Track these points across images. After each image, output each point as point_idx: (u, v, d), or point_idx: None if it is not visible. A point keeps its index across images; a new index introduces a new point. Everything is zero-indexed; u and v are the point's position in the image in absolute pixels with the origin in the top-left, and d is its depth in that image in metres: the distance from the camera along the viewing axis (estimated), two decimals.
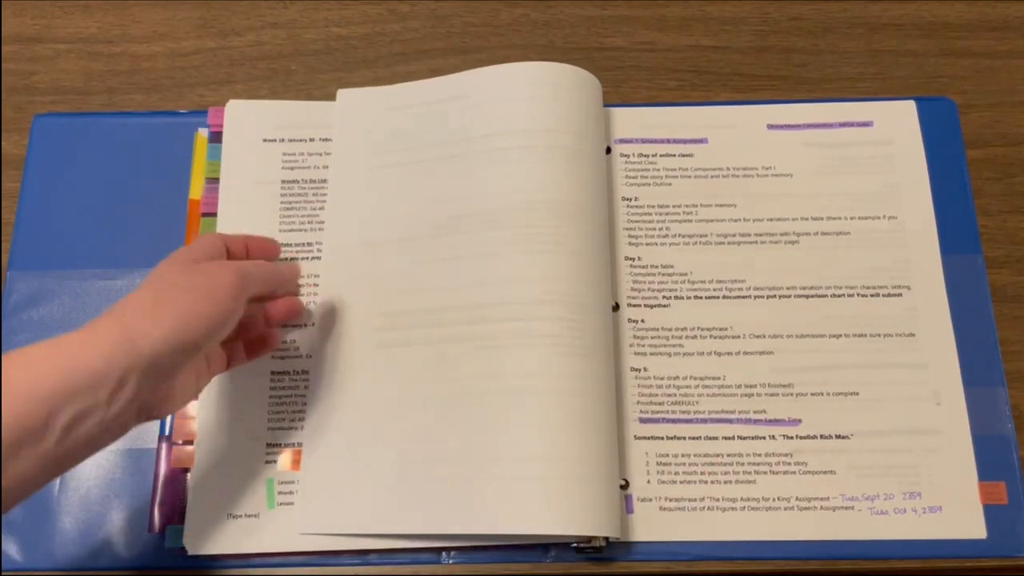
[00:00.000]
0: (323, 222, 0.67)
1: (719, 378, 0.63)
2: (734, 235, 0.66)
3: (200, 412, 0.62)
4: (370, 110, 0.69)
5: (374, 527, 0.58)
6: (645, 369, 0.63)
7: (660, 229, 0.67)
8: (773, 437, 0.61)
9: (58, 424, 0.45)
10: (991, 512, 0.60)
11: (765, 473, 0.61)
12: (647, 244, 0.66)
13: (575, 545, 0.59)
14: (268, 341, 0.61)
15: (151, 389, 0.49)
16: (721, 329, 0.64)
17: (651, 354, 0.63)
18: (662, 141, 0.69)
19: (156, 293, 0.51)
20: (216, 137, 0.69)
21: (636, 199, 0.67)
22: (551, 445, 0.57)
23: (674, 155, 0.69)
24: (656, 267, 0.66)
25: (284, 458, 0.61)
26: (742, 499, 0.60)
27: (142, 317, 0.49)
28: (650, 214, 0.67)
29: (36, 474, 0.46)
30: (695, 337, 0.64)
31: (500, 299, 0.60)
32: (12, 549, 0.60)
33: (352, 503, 0.59)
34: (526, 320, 0.59)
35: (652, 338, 0.64)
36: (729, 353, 0.63)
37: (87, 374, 0.46)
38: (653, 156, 0.69)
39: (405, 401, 0.60)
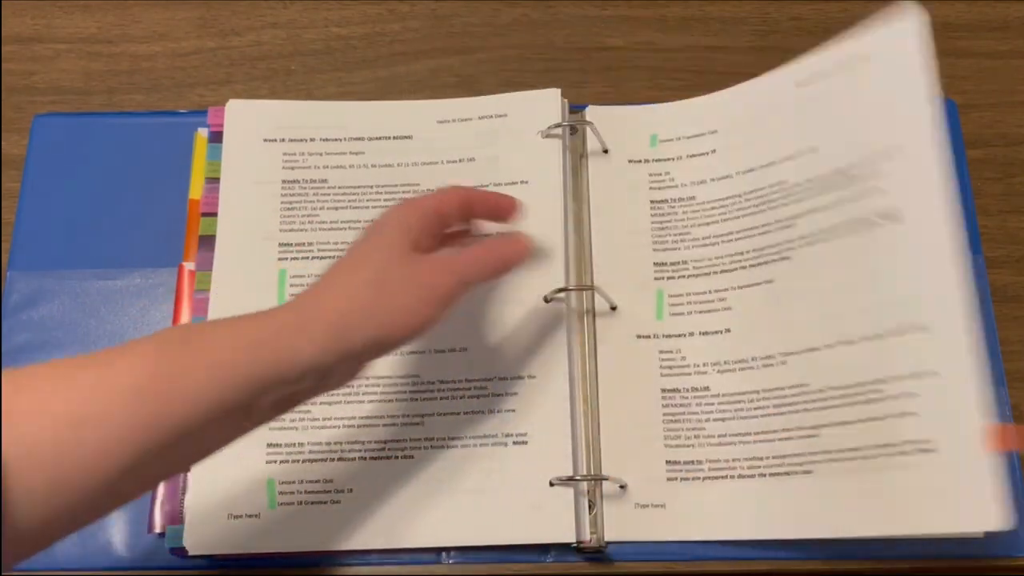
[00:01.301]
0: (324, 222, 0.67)
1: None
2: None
3: None
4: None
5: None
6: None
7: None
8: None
9: (261, 406, 0.47)
10: None
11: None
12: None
13: (575, 545, 0.59)
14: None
15: (351, 373, 0.51)
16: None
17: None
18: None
19: (375, 284, 0.50)
20: (216, 137, 0.69)
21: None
22: None
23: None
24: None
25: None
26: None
27: (357, 312, 0.49)
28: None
29: (224, 443, 0.48)
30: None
31: None
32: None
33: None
34: None
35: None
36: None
37: (299, 365, 0.47)
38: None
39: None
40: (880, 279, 0.59)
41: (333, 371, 0.49)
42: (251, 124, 0.69)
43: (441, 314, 0.52)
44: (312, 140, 0.69)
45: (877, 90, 0.62)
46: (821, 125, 0.64)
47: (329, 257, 0.66)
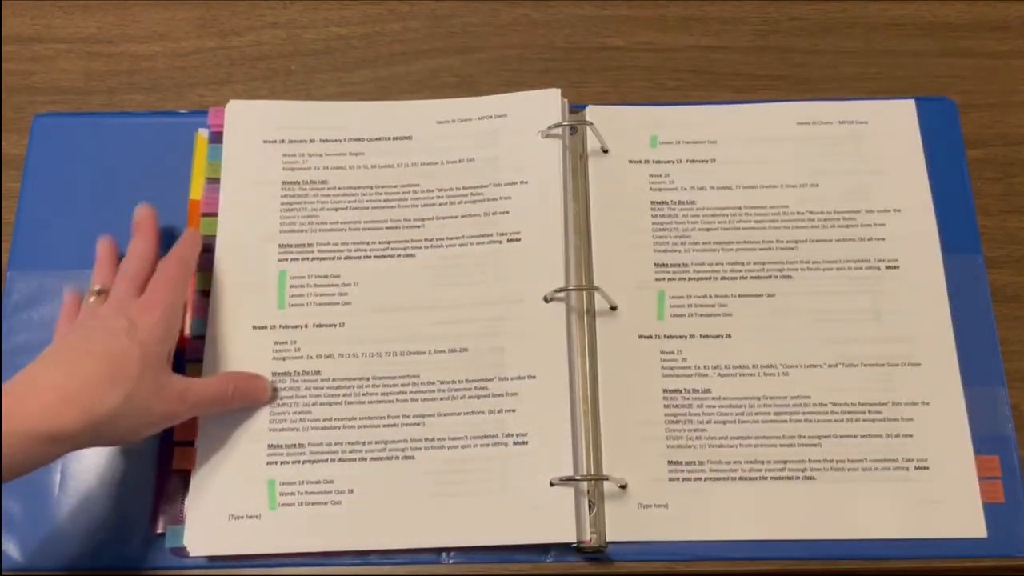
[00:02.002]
0: (324, 223, 0.67)
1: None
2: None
3: None
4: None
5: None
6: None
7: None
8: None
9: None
10: (991, 511, 0.60)
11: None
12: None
13: (575, 545, 0.59)
14: None
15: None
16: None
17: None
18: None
19: (125, 400, 0.53)
20: (216, 137, 0.69)
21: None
22: None
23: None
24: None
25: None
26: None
27: (99, 422, 0.52)
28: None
29: None
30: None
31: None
32: (12, 549, 0.60)
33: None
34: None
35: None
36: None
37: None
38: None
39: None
40: (881, 315, 0.64)
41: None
42: (251, 125, 0.69)
43: (167, 426, 0.58)
44: (312, 141, 0.69)
45: (876, 155, 0.69)
46: (821, 167, 0.68)
47: (329, 258, 0.66)
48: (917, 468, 0.61)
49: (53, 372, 0.54)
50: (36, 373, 0.54)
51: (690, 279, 0.66)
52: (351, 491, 0.60)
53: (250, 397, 0.62)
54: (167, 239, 0.67)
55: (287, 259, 0.66)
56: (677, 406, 0.63)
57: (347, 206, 0.67)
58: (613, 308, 0.64)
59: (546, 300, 0.64)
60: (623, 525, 0.60)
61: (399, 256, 0.66)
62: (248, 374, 0.62)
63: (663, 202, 0.68)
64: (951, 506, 0.60)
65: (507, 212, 0.66)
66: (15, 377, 0.54)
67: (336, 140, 0.69)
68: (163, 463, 0.61)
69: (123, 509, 0.61)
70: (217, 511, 0.60)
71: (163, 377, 0.56)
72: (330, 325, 0.64)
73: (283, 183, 0.68)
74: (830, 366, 0.63)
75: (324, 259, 0.66)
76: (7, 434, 0.49)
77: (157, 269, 0.61)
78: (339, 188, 0.68)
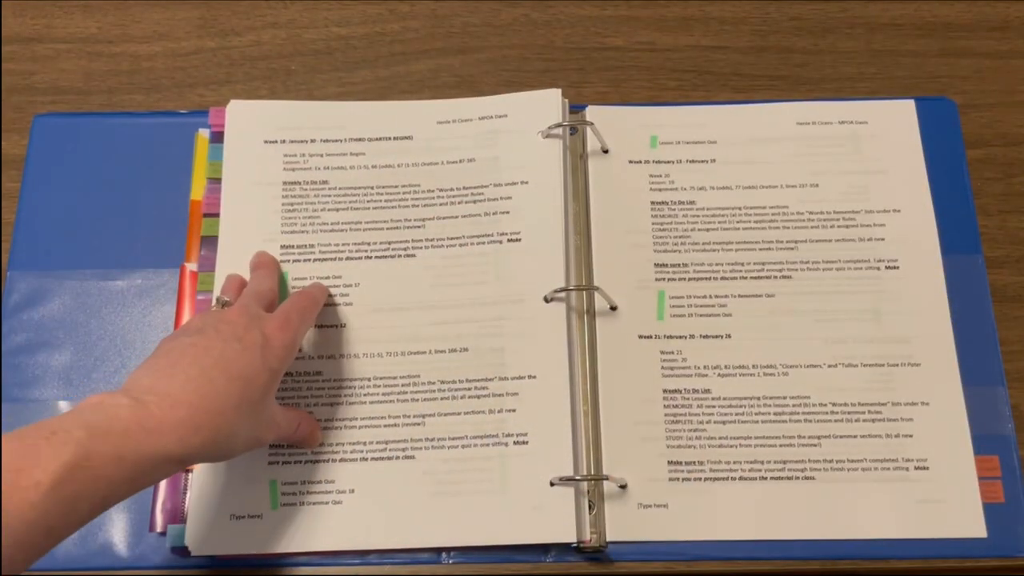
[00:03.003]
0: (325, 223, 0.67)
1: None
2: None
3: None
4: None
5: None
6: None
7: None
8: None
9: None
10: (991, 511, 0.60)
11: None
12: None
13: (575, 545, 0.59)
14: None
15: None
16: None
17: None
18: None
19: (225, 434, 0.51)
20: (217, 137, 0.69)
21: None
22: None
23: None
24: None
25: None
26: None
27: (192, 451, 0.49)
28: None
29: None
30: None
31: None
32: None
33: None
34: None
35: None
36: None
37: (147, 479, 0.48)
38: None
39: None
40: (881, 316, 0.64)
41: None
42: (252, 125, 0.69)
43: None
44: (313, 141, 0.69)
45: (875, 155, 0.69)
46: (821, 167, 0.69)
47: (330, 259, 0.66)
48: (917, 468, 0.61)
49: (187, 387, 0.50)
50: (169, 385, 0.50)
51: (690, 279, 0.66)
52: (352, 491, 0.60)
53: (308, 439, 0.60)
54: (168, 239, 0.67)
55: (289, 260, 0.66)
56: (677, 406, 0.63)
57: (348, 206, 0.67)
58: (613, 308, 0.64)
59: (546, 300, 0.64)
60: (623, 525, 0.60)
61: (400, 256, 0.66)
62: (314, 419, 0.61)
63: (663, 202, 0.68)
64: (951, 506, 0.60)
65: (507, 212, 0.66)
66: (141, 378, 0.50)
67: (337, 140, 0.69)
68: None
69: (123, 509, 0.61)
70: (219, 511, 0.60)
71: (272, 404, 0.55)
72: (331, 326, 0.64)
73: (284, 183, 0.68)
74: (830, 366, 0.63)
75: (325, 260, 0.66)
76: (140, 457, 0.46)
77: (288, 298, 0.60)
78: (340, 188, 0.68)
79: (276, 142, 0.69)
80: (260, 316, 0.56)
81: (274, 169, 0.68)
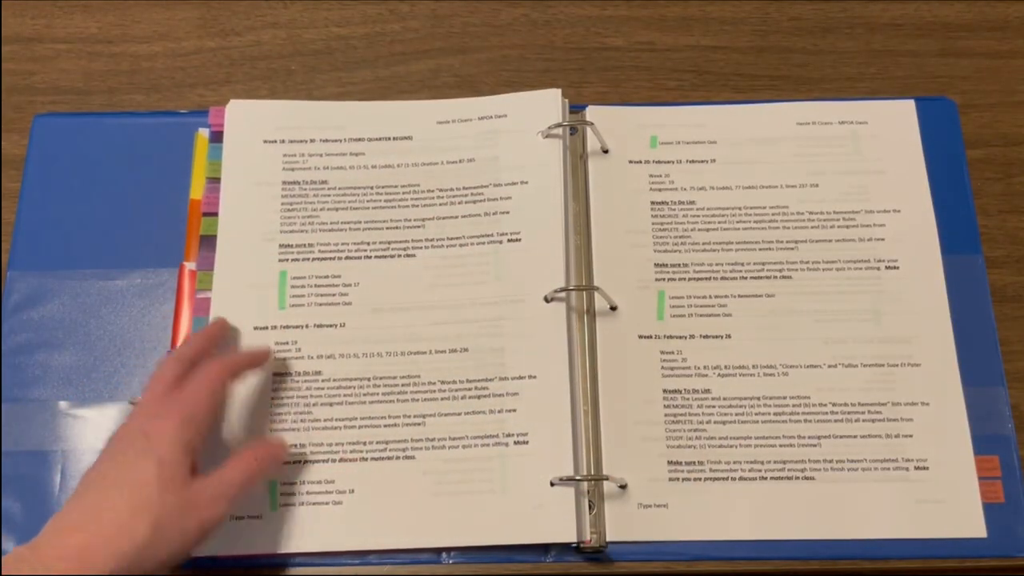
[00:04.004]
0: (324, 223, 0.67)
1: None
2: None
3: None
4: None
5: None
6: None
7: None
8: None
9: None
10: (991, 511, 0.60)
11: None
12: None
13: (575, 545, 0.59)
14: None
15: None
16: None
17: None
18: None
19: (153, 528, 0.50)
20: (217, 137, 0.69)
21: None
22: None
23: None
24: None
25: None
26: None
27: (131, 559, 0.48)
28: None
29: None
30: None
31: None
32: (12, 548, 0.60)
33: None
34: None
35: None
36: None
37: None
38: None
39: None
40: (880, 316, 0.64)
41: None
42: (252, 125, 0.69)
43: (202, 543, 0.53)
44: (312, 141, 0.69)
45: (876, 155, 0.69)
46: (821, 167, 0.68)
47: (329, 259, 0.66)
48: (917, 468, 0.61)
49: (79, 511, 0.50)
50: (65, 513, 0.50)
51: (690, 279, 0.66)
52: (352, 491, 0.60)
53: (275, 460, 0.59)
54: (167, 239, 0.67)
55: (288, 259, 0.66)
56: (677, 406, 0.63)
57: (347, 206, 0.67)
58: (613, 308, 0.64)
59: (546, 300, 0.64)
60: (623, 525, 0.60)
61: (399, 256, 0.66)
62: (260, 440, 0.60)
63: (663, 202, 0.68)
64: (951, 506, 0.60)
65: (507, 212, 0.66)
66: (52, 518, 0.50)
67: (336, 140, 0.69)
68: None
69: None
70: None
71: (190, 490, 0.52)
72: (331, 325, 0.64)
73: (283, 183, 0.68)
74: (830, 366, 0.63)
75: (325, 259, 0.66)
76: None
77: (196, 370, 0.57)
78: (339, 188, 0.68)
79: (276, 142, 0.69)
80: (147, 414, 0.54)
81: (273, 168, 0.68)
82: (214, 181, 0.68)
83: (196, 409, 0.55)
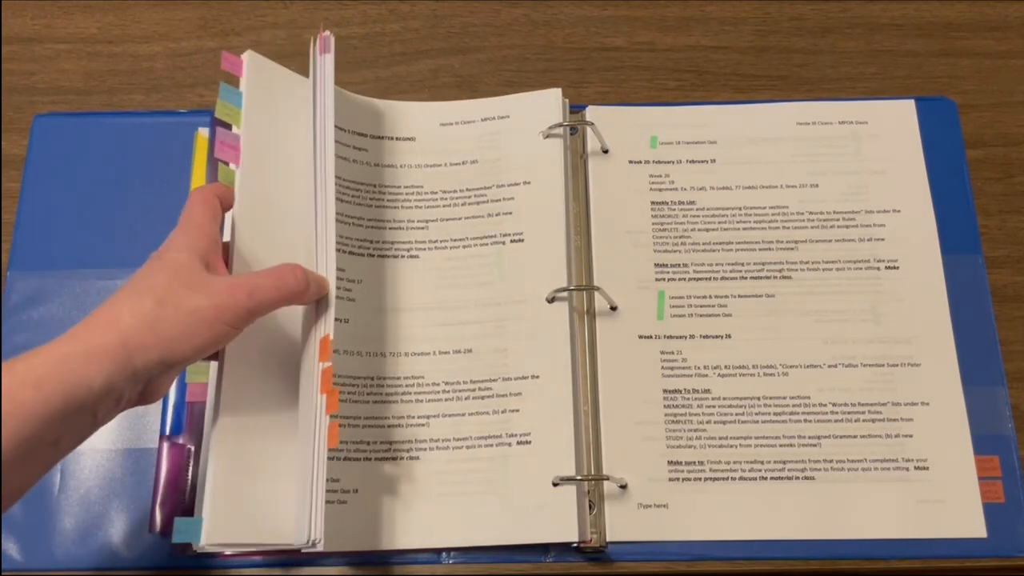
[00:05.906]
0: None
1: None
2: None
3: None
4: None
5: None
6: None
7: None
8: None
9: (57, 439, 0.46)
10: (991, 511, 0.60)
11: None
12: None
13: (575, 545, 0.59)
14: None
15: (139, 394, 0.50)
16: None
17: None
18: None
19: (158, 303, 0.49)
20: (231, 80, 0.65)
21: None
22: None
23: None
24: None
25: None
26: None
27: (141, 332, 0.48)
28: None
29: (32, 478, 0.47)
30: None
31: None
32: (12, 549, 0.60)
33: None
34: None
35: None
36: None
37: (89, 395, 0.46)
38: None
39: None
40: (880, 316, 0.64)
41: (122, 398, 0.48)
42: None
43: (232, 333, 0.52)
44: None
45: (875, 155, 0.69)
46: (821, 167, 0.69)
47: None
48: (917, 468, 0.61)
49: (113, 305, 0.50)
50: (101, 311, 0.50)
51: (690, 279, 0.66)
52: (356, 491, 0.60)
53: (312, 284, 0.56)
54: (166, 238, 0.67)
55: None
56: (677, 406, 0.63)
57: (351, 200, 0.66)
58: (613, 308, 0.64)
59: (548, 300, 0.64)
60: (623, 525, 0.60)
61: (403, 257, 0.66)
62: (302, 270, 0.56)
63: (663, 202, 0.68)
64: (951, 506, 0.60)
65: (510, 213, 0.66)
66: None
67: (340, 130, 0.67)
68: (163, 462, 0.61)
69: (123, 509, 0.61)
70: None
71: (202, 275, 0.51)
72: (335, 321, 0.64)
73: None
74: (830, 366, 0.63)
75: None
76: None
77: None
78: (343, 180, 0.66)
79: None
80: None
81: None
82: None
83: (194, 218, 0.55)
